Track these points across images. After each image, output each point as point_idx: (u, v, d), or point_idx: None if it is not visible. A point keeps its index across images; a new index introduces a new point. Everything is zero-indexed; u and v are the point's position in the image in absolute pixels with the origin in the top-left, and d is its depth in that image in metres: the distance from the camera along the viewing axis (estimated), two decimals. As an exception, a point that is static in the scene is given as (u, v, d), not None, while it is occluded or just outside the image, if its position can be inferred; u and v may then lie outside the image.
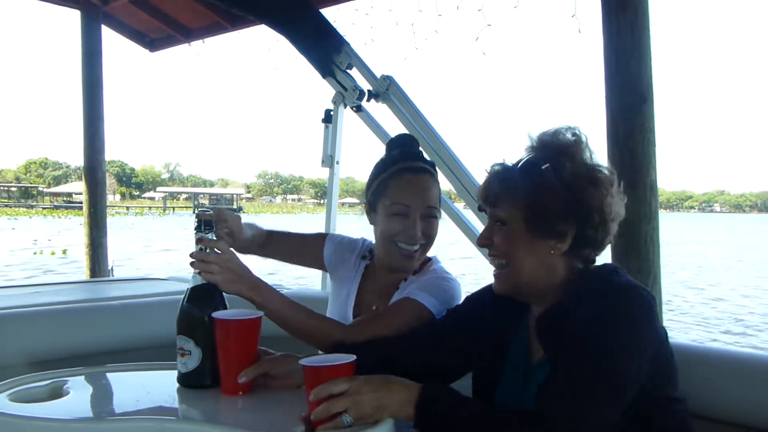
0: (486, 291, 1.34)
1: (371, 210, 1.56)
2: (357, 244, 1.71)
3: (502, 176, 1.20)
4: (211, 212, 1.30)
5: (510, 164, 1.21)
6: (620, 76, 1.94)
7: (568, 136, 1.18)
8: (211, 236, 1.26)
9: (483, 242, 1.23)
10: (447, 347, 1.31)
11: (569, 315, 1.11)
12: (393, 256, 1.51)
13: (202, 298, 1.25)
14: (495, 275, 1.23)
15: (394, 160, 1.54)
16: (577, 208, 1.14)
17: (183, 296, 1.27)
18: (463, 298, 1.44)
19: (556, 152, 1.16)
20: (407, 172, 1.50)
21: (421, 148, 1.61)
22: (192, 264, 1.25)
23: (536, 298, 1.22)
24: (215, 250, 1.26)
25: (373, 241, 1.63)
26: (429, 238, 1.51)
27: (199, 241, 1.25)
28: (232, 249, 1.33)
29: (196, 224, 1.25)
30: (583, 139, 1.18)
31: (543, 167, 1.15)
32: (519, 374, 1.23)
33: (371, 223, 1.58)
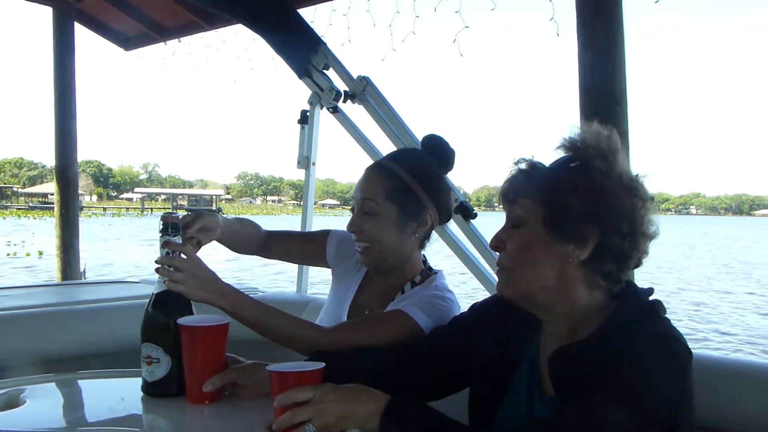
0: (494, 300, 1.24)
1: None
2: None
3: (525, 173, 1.10)
4: (178, 215, 1.26)
5: (535, 161, 1.11)
6: (594, 79, 1.94)
7: (605, 137, 1.07)
8: (177, 239, 1.22)
9: (496, 244, 1.11)
10: (444, 362, 1.22)
11: (592, 359, 0.96)
12: None
13: (169, 304, 1.21)
14: (498, 275, 1.12)
15: None
16: (604, 212, 1.02)
17: (147, 302, 1.23)
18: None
19: (589, 151, 1.05)
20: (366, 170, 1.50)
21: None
22: (157, 270, 1.21)
23: (552, 316, 1.10)
24: (182, 255, 1.21)
25: None
26: (364, 235, 1.44)
27: (164, 244, 1.21)
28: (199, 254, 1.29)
29: (162, 227, 1.20)
30: (619, 144, 1.07)
31: (571, 165, 1.05)
32: (522, 402, 1.12)
33: None
